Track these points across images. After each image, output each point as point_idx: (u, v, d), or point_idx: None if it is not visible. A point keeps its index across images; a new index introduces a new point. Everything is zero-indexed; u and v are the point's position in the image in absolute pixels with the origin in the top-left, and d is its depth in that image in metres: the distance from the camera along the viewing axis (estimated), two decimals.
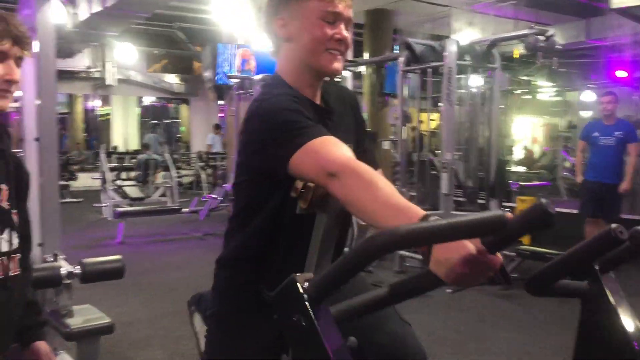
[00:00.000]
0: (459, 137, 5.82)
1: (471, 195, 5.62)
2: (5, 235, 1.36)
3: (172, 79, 16.30)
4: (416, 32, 9.74)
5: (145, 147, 13.05)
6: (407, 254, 5.40)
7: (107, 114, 20.35)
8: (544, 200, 0.79)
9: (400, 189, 5.64)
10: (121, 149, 17.12)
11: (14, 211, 1.40)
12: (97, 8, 8.12)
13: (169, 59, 16.84)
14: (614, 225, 1.01)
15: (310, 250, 1.29)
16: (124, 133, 19.57)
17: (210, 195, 8.34)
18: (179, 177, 13.89)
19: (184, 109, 20.28)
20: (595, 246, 1.07)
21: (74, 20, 8.98)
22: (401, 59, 5.68)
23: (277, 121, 1.22)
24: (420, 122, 9.34)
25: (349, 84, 10.17)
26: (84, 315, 2.64)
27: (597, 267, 1.14)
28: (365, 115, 9.73)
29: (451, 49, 5.17)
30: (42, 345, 1.49)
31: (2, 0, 7.82)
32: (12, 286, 1.37)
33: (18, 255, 1.40)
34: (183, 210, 7.71)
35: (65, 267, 2.69)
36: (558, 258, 1.14)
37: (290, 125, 1.20)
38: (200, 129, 16.06)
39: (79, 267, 2.56)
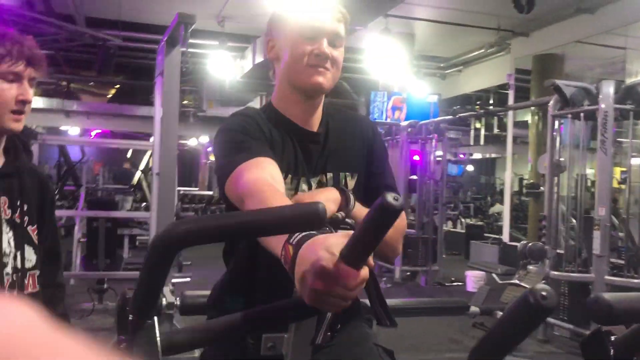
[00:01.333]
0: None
1: (633, 259, 4.83)
2: (20, 252, 1.38)
3: None
4: (585, 76, 8.95)
5: None
6: (553, 320, 4.80)
7: None
8: (389, 195, 0.66)
9: (544, 246, 5.08)
10: None
11: (32, 227, 1.42)
12: (259, 58, 8.71)
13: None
14: None
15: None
16: None
17: None
18: None
19: None
20: None
21: (242, 71, 9.75)
22: (550, 103, 5.19)
23: (219, 142, 1.23)
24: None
25: (510, 132, 9.73)
26: None
27: None
28: (529, 165, 9.16)
29: (607, 90, 4.59)
30: None
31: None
32: (33, 301, 1.38)
33: (36, 272, 1.42)
34: None
35: (166, 298, 2.80)
36: None
37: (227, 149, 1.19)
38: None
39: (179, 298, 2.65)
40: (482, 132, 15.30)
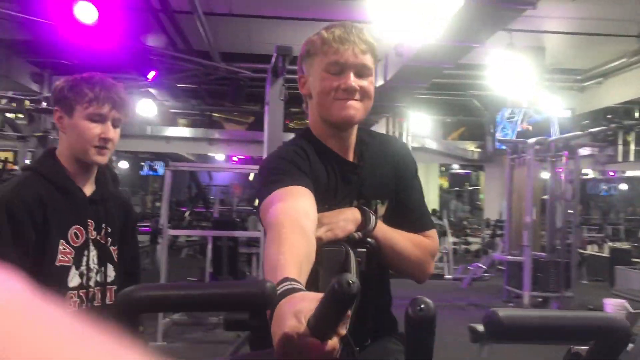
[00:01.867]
0: None
1: None
2: (105, 268, 1.60)
3: (468, 146, 16.43)
4: None
5: (432, 213, 13.37)
6: None
7: None
8: (344, 278, 0.64)
9: None
10: None
11: (114, 247, 1.64)
12: (380, 82, 8.83)
13: (466, 126, 17.08)
14: None
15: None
16: (425, 199, 20.33)
17: (477, 263, 8.01)
18: (467, 243, 13.74)
19: (482, 176, 20.15)
20: None
21: None
22: None
23: (263, 169, 1.29)
24: None
25: None
26: None
27: None
28: None
29: None
30: None
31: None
32: (108, 314, 1.57)
33: (114, 287, 1.62)
34: (446, 276, 7.58)
35: None
36: None
37: (268, 175, 1.24)
38: (495, 195, 15.68)
39: None
40: (632, 147, 14.00)
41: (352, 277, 0.66)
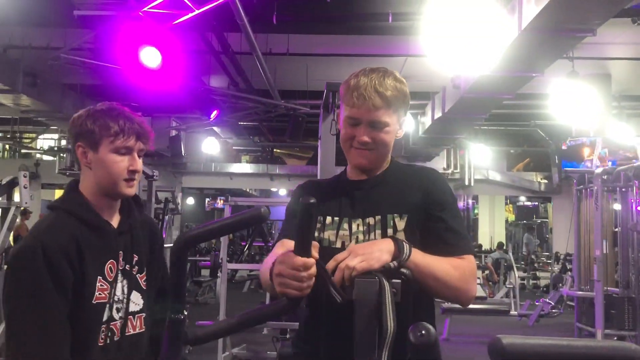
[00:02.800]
0: None
1: None
2: (133, 296, 1.58)
3: (534, 177, 15.92)
4: None
5: (498, 246, 12.97)
6: None
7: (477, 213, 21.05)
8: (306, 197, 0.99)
9: None
10: (486, 247, 17.32)
11: (141, 275, 1.62)
12: (438, 114, 8.79)
13: (531, 157, 16.60)
14: None
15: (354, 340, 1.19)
16: (490, 232, 19.78)
17: (544, 299, 7.67)
18: (536, 278, 13.20)
19: (550, 208, 19.42)
20: None
21: (423, 127, 9.89)
22: None
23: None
24: None
25: None
26: None
27: None
28: None
29: None
30: None
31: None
32: (138, 341, 1.58)
33: (143, 315, 1.61)
34: (512, 312, 7.29)
35: None
36: None
37: (284, 221, 1.54)
38: (564, 228, 15.04)
39: None
40: None
41: (312, 198, 0.98)
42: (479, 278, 10.40)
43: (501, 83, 6.44)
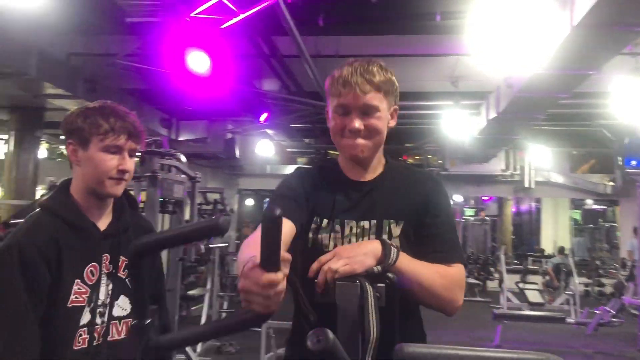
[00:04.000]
0: None
1: None
2: (119, 301, 1.51)
3: (599, 179, 15.23)
4: None
5: (559, 251, 12.49)
6: None
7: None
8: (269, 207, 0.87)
9: None
10: (549, 252, 16.73)
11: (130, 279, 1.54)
12: (492, 114, 8.55)
13: (596, 159, 15.89)
14: None
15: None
16: (553, 235, 19.08)
17: (604, 307, 7.30)
18: (600, 285, 12.63)
19: (618, 211, 18.51)
20: None
21: (478, 128, 9.66)
22: None
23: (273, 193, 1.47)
24: None
25: None
26: None
27: None
28: None
29: None
30: None
31: None
32: (121, 347, 1.51)
33: (130, 320, 1.54)
34: (568, 320, 6.99)
35: None
36: None
37: (272, 200, 1.43)
38: (631, 232, 14.32)
39: None
40: None
41: (278, 208, 0.84)
42: (536, 283, 10.04)
43: (555, 81, 6.19)
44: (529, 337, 7.42)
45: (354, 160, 1.43)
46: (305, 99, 8.82)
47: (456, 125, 9.32)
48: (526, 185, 14.10)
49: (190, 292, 7.30)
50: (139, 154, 3.74)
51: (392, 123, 1.45)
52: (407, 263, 1.24)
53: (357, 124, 1.36)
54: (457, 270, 1.34)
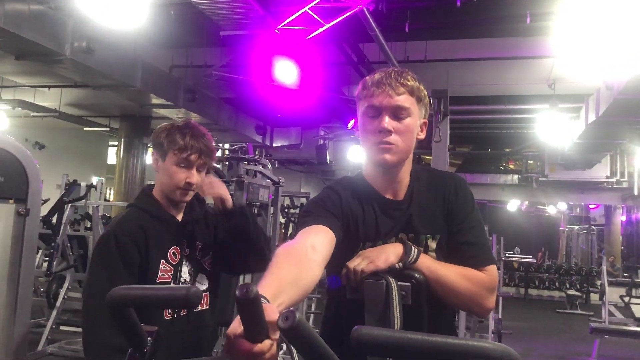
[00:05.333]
0: None
1: None
2: (198, 278, 1.84)
3: None
4: None
5: None
6: None
7: None
8: (241, 288, 0.77)
9: None
10: None
11: (206, 259, 1.88)
12: (592, 117, 8.14)
13: None
14: None
15: None
16: None
17: None
18: None
19: None
20: None
21: (578, 132, 9.20)
22: None
23: (304, 208, 1.46)
24: None
25: None
26: None
27: None
28: None
29: None
30: None
31: None
32: (201, 318, 1.82)
33: (208, 294, 1.86)
34: None
35: None
36: None
37: (306, 214, 1.37)
38: None
39: None
40: None
41: (251, 285, 0.77)
42: None
43: None
44: (630, 354, 6.96)
45: (383, 167, 1.40)
46: None
47: (554, 130, 8.92)
48: (635, 193, 13.16)
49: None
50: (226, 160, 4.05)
51: (422, 136, 1.43)
52: (429, 263, 1.28)
53: (388, 124, 1.34)
54: (485, 273, 1.35)
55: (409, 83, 1.37)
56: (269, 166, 4.93)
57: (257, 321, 0.82)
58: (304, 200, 8.14)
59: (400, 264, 1.24)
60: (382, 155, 1.37)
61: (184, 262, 1.80)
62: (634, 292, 9.93)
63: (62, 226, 5.96)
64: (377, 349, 0.70)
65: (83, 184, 6.53)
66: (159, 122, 10.68)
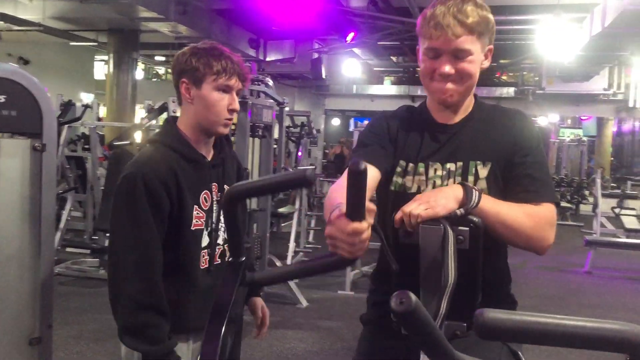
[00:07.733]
0: None
1: None
2: (222, 228, 1.68)
3: None
4: None
5: None
6: None
7: None
8: (354, 162, 0.87)
9: None
10: None
11: None
12: (597, 29, 7.93)
13: None
14: None
15: (421, 283, 1.21)
16: None
17: None
18: None
19: None
20: None
21: (581, 44, 9.00)
22: None
23: (358, 138, 1.56)
24: None
25: None
26: None
27: None
28: None
29: None
30: (257, 300, 1.83)
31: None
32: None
33: None
34: None
35: None
36: None
37: (357, 145, 1.49)
38: None
39: None
40: None
41: (362, 163, 0.87)
42: (634, 209, 9.56)
43: None
44: (622, 264, 7.17)
45: (443, 104, 1.40)
46: (394, 16, 8.54)
47: (556, 41, 8.71)
48: (630, 104, 13.14)
49: (280, 210, 7.62)
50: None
51: (486, 64, 1.40)
52: (491, 204, 1.24)
53: (448, 68, 1.31)
54: (546, 209, 1.31)
55: (469, 20, 1.29)
56: (272, 85, 4.79)
57: (360, 197, 0.91)
58: (304, 119, 8.02)
59: (462, 210, 1.19)
60: (440, 96, 1.37)
61: (214, 208, 1.66)
62: (624, 204, 10.14)
63: (60, 147, 5.85)
64: (504, 333, 0.66)
65: (78, 104, 6.36)
66: (149, 36, 10.37)
